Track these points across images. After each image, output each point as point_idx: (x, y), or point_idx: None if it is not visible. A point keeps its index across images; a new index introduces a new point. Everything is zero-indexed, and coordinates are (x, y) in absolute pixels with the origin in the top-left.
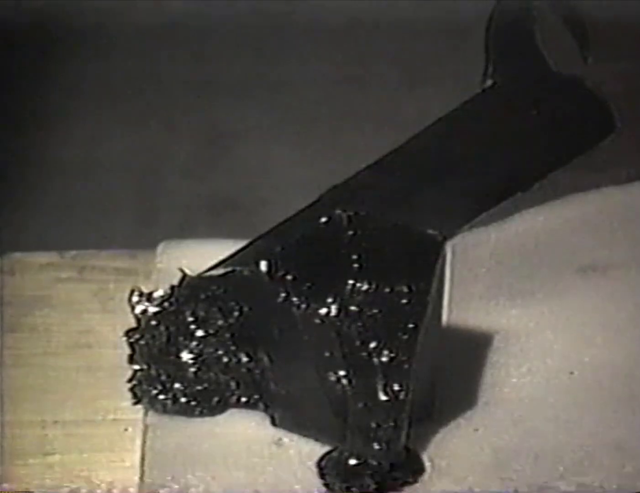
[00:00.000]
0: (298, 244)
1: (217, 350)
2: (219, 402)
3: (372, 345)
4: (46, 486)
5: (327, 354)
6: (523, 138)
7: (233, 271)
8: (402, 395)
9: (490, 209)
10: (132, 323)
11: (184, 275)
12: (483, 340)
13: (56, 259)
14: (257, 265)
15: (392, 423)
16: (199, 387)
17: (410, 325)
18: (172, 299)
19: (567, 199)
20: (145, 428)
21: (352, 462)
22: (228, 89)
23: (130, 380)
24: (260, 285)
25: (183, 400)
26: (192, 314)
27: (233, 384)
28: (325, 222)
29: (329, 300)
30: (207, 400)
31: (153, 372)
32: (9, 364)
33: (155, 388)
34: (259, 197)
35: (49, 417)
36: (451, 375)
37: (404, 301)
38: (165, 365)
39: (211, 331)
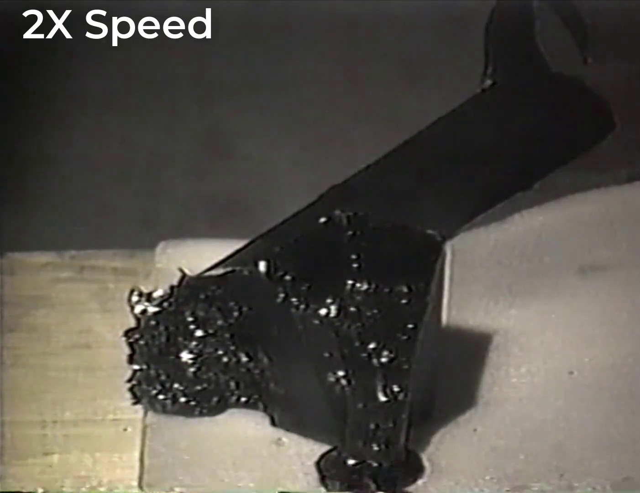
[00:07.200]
0: (297, 244)
1: (217, 350)
2: (218, 402)
3: (372, 345)
4: (46, 486)
5: (326, 355)
6: (523, 138)
7: (232, 271)
8: (401, 396)
9: (490, 208)
10: (132, 323)
11: (184, 275)
12: (483, 340)
13: (55, 259)
14: (256, 265)
15: (391, 424)
16: (199, 387)
17: (410, 326)
18: (172, 299)
19: (567, 199)
20: (145, 428)
21: (351, 462)
22: (228, 89)
23: (129, 380)
24: (260, 286)
25: (183, 400)
26: (192, 314)
27: (233, 384)
28: (325, 222)
29: (328, 300)
30: (207, 400)
31: (153, 372)
32: (9, 364)
33: (155, 388)
34: (259, 197)
35: (49, 417)
36: (451, 375)
37: (404, 301)
38: (165, 365)
39: (211, 331)
